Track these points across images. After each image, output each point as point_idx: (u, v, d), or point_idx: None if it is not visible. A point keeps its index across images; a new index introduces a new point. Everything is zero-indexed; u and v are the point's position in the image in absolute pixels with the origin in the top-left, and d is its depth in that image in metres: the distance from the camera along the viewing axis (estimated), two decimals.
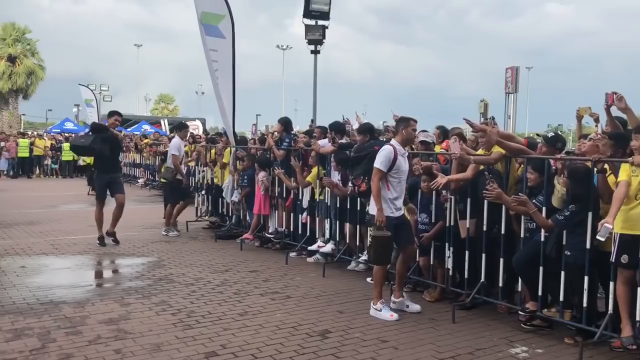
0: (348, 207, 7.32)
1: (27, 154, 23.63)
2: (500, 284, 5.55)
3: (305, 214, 8.18)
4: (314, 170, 7.91)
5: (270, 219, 8.91)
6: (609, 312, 4.64)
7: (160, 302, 5.87)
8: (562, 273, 4.93)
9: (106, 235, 8.93)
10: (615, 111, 5.16)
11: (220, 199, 10.45)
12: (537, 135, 5.42)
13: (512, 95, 42.03)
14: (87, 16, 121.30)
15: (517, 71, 42.56)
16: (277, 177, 8.57)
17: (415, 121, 5.67)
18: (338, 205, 7.46)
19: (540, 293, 5.12)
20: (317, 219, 8.01)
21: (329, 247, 7.64)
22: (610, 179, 4.74)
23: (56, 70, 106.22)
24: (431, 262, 6.24)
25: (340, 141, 7.51)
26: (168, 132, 23.76)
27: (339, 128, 7.67)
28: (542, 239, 5.08)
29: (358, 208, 7.14)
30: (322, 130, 8.15)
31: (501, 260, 5.49)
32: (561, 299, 4.98)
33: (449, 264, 6.05)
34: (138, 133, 25.14)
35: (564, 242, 4.92)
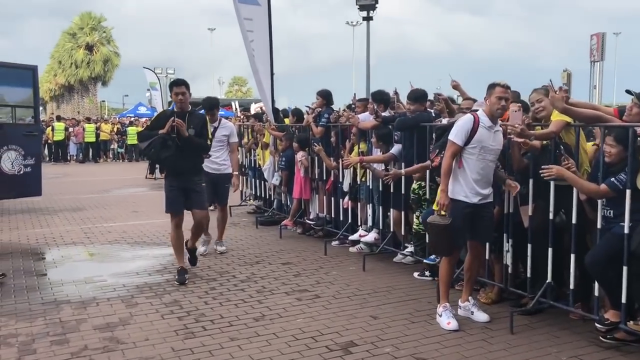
0: (392, 190, 6.34)
1: (93, 139, 24.02)
2: (572, 286, 4.45)
3: (346, 198, 7.27)
4: (355, 148, 6.96)
5: (311, 204, 8.06)
6: None
7: (170, 303, 5.19)
8: None
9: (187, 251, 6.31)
10: None
11: (263, 182, 9.73)
12: (628, 92, 4.18)
13: (597, 64, 38.99)
14: (166, 3, 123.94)
15: (604, 38, 39.38)
16: (317, 158, 7.70)
17: (504, 86, 4.43)
18: (381, 189, 6.50)
19: (623, 300, 3.99)
20: (359, 204, 7.08)
21: (371, 236, 6.71)
22: None
23: (136, 57, 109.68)
24: (487, 257, 5.19)
25: (383, 114, 6.51)
26: (238, 114, 23.44)
27: (381, 98, 6.65)
28: (626, 230, 3.93)
29: (402, 192, 6.15)
30: (363, 102, 7.16)
31: (572, 256, 4.38)
32: None
33: (508, 259, 4.99)
34: None
35: None
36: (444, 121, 5.58)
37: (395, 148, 6.26)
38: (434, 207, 5.28)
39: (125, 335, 4.41)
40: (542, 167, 4.19)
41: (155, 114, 6.43)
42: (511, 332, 4.42)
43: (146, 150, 5.61)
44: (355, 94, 8.33)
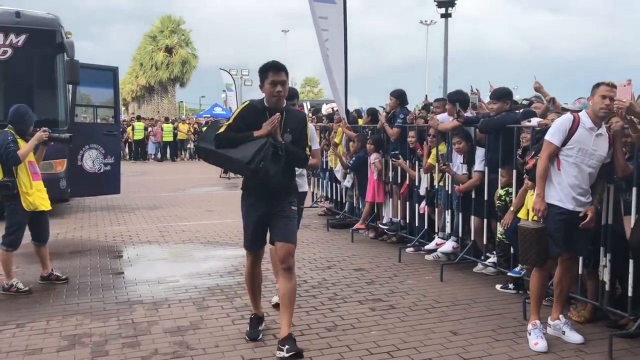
0: (473, 196, 5.97)
1: (171, 139, 24.71)
2: None
3: (423, 203, 6.94)
4: (433, 151, 6.63)
5: (385, 208, 7.78)
6: None
7: (242, 307, 5.08)
8: None
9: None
10: None
11: (334, 184, 9.54)
12: None
13: None
14: (241, 6, 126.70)
15: None
16: (390, 159, 7.42)
17: (609, 84, 4.07)
18: (461, 194, 6.13)
19: None
20: (436, 209, 6.74)
21: (449, 245, 6.35)
22: None
23: (212, 58, 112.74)
24: (580, 271, 4.74)
25: (465, 114, 6.14)
26: (310, 115, 23.45)
27: (460, 98, 6.27)
28: None
29: (485, 197, 5.77)
30: (441, 103, 6.81)
31: None
32: None
33: (605, 275, 4.52)
34: None
35: None
36: (533, 121, 5.17)
37: (479, 152, 5.89)
38: (520, 215, 4.92)
39: (195, 341, 4.31)
40: None
41: (235, 110, 4.50)
42: (610, 356, 3.98)
43: (252, 164, 3.75)
44: (426, 96, 8.00)
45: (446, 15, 15.73)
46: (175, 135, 24.92)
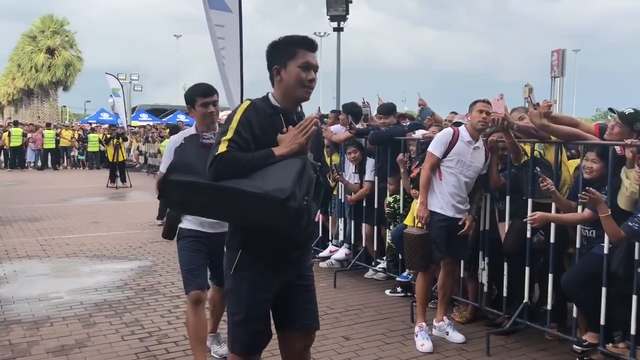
0: (364, 204, 6.19)
1: (53, 145, 23.25)
2: (549, 306, 4.35)
3: (318, 212, 7.07)
4: (327, 160, 6.79)
5: None
6: None
7: (132, 322, 4.90)
8: (634, 297, 3.69)
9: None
10: None
11: None
12: (611, 110, 4.12)
13: (558, 80, 39.94)
14: (130, 8, 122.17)
15: (564, 54, 40.42)
16: None
17: (484, 101, 4.44)
18: (353, 203, 6.33)
19: (602, 322, 3.90)
20: (330, 217, 6.91)
21: (342, 252, 6.53)
22: None
23: (100, 62, 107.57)
24: (461, 275, 5.07)
25: (357, 126, 6.36)
26: None
27: (353, 110, 6.50)
28: (605, 251, 3.85)
29: (375, 206, 6.01)
30: (335, 114, 7.01)
31: (550, 275, 4.29)
32: (632, 331, 3.75)
33: (484, 277, 4.87)
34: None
35: (636, 257, 3.68)
36: (417, 134, 5.47)
37: (369, 162, 6.12)
38: (406, 222, 5.17)
39: (81, 359, 4.11)
40: (527, 217, 4.14)
41: (233, 114, 2.45)
42: (487, 353, 4.29)
43: (294, 202, 2.24)
44: (319, 107, 8.19)
45: (338, 29, 16.22)
46: (57, 142, 23.46)
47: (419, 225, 4.54)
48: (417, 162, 5.07)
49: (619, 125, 4.00)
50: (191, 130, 3.66)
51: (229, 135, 2.38)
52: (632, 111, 4.01)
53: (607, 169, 3.89)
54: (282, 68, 2.53)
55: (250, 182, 2.30)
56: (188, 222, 3.70)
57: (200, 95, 3.59)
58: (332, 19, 16.07)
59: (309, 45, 2.55)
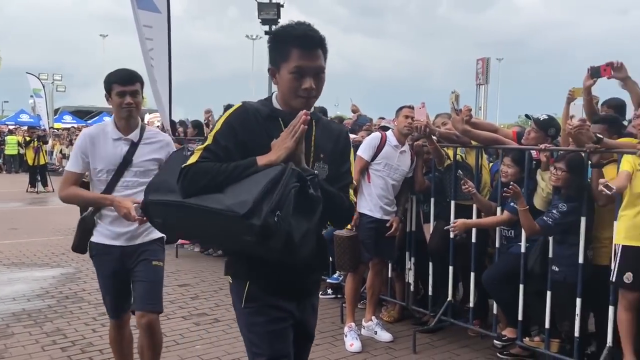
0: None
1: None
2: (471, 304, 4.54)
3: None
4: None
5: None
6: (607, 345, 3.64)
7: (53, 332, 4.71)
8: (548, 293, 3.92)
9: None
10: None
11: None
12: (527, 117, 4.36)
13: (482, 87, 41.55)
14: (57, 7, 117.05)
15: (488, 62, 42.08)
16: None
17: (410, 107, 4.63)
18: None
19: (520, 318, 4.11)
20: None
21: None
22: (608, 171, 3.72)
23: (21, 61, 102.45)
24: (389, 275, 5.19)
25: None
26: None
27: None
28: (522, 250, 4.06)
29: None
30: None
31: (472, 274, 4.48)
32: (547, 325, 3.97)
33: (410, 277, 5.02)
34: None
35: (550, 255, 3.91)
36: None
37: None
38: None
39: None
40: (448, 226, 4.30)
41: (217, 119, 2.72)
42: (414, 351, 4.42)
43: (255, 218, 1.80)
44: None
45: (270, 33, 16.16)
46: None
47: (348, 227, 4.62)
48: None
49: (535, 130, 4.24)
50: (109, 124, 3.16)
51: (206, 143, 2.05)
52: (547, 117, 4.27)
53: (522, 172, 4.11)
54: (276, 71, 2.11)
55: (218, 197, 1.90)
56: (99, 235, 3.17)
57: (118, 83, 3.06)
58: (264, 22, 16.10)
59: (304, 43, 2.04)
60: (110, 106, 3.16)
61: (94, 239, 3.21)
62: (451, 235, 4.47)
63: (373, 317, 4.76)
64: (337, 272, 5.57)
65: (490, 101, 39.06)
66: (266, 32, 16.25)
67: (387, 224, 4.62)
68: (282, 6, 15.70)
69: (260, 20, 15.97)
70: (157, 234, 3.18)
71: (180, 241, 7.79)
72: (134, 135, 3.15)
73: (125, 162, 3.11)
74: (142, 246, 3.19)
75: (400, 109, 4.68)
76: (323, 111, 6.15)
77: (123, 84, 3.07)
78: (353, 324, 4.59)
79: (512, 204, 4.09)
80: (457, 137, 4.47)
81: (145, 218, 2.56)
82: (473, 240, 4.42)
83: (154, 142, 3.20)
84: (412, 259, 4.97)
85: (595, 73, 4.08)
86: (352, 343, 4.46)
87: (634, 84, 3.97)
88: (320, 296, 5.74)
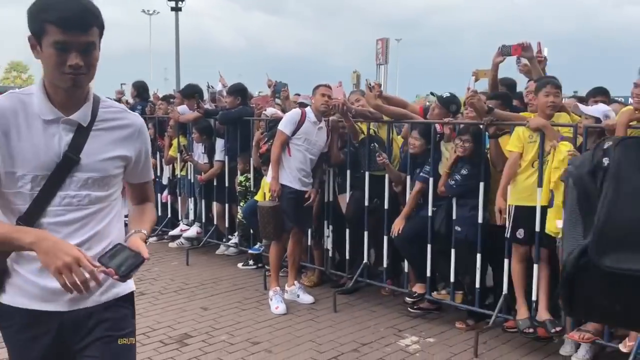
0: (215, 183, 6.39)
1: None
2: (385, 264, 4.98)
3: (165, 192, 7.13)
4: (174, 141, 6.85)
5: (124, 201, 7.69)
6: (503, 293, 4.19)
7: None
8: (453, 251, 4.41)
9: None
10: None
11: None
12: (432, 94, 4.82)
13: (382, 67, 42.81)
14: None
15: (387, 43, 43.25)
16: None
17: (326, 85, 4.94)
18: (204, 182, 6.49)
19: (428, 274, 4.59)
20: (179, 198, 6.99)
21: (193, 230, 6.67)
22: (504, 141, 4.24)
23: None
24: (309, 243, 5.53)
25: (205, 106, 6.50)
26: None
27: (192, 92, 6.63)
28: (429, 213, 4.53)
29: (227, 184, 6.24)
30: (182, 95, 7.06)
31: (385, 237, 4.90)
32: (452, 279, 4.47)
33: (329, 243, 5.38)
34: None
35: (454, 217, 4.40)
36: (268, 112, 5.78)
37: (219, 143, 6.31)
38: (257, 197, 5.49)
39: None
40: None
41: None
42: (334, 310, 4.79)
43: None
44: (174, 90, 8.16)
45: (177, 9, 15.94)
46: None
47: (270, 197, 4.91)
48: (266, 139, 5.41)
49: (438, 107, 4.72)
50: (34, 94, 1.74)
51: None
52: (449, 95, 4.76)
53: (429, 144, 4.56)
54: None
55: None
56: (15, 292, 1.78)
57: (58, 25, 1.62)
58: None
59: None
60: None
61: (3, 299, 1.80)
62: (365, 202, 4.87)
63: (295, 282, 5.08)
64: (258, 243, 5.84)
65: (390, 81, 40.38)
66: (172, 8, 15.98)
67: (305, 195, 4.94)
68: None
69: None
70: (124, 287, 1.90)
71: None
72: (81, 115, 1.77)
73: (67, 163, 1.74)
74: (99, 312, 1.83)
75: (317, 87, 4.98)
76: (241, 88, 6.25)
77: (67, 29, 1.63)
78: (278, 288, 4.89)
79: (420, 173, 4.54)
80: (371, 113, 4.85)
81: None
82: (385, 206, 4.84)
83: (115, 126, 1.85)
84: (330, 227, 5.32)
85: (505, 52, 4.48)
86: (277, 306, 4.76)
87: (537, 65, 4.50)
88: (242, 267, 6.04)
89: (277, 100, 6.27)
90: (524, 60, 4.50)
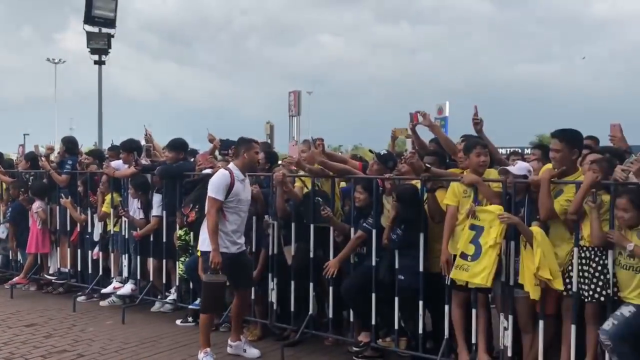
0: (152, 239, 6.32)
1: None
2: (330, 315, 5.13)
3: (96, 249, 6.93)
4: (107, 197, 6.73)
5: (50, 258, 7.42)
6: (445, 337, 4.46)
7: None
8: (396, 299, 4.66)
9: None
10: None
11: None
12: (371, 151, 5.17)
13: (295, 118, 43.79)
14: None
15: (299, 95, 44.53)
16: (57, 207, 7.18)
17: (257, 142, 5.02)
18: (139, 238, 6.39)
19: (373, 322, 4.80)
20: (111, 254, 6.82)
21: (127, 288, 6.49)
22: (440, 195, 4.61)
23: None
24: (252, 297, 5.57)
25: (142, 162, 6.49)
26: None
27: (133, 147, 6.62)
28: (373, 263, 4.77)
29: (164, 239, 6.19)
30: (115, 152, 6.99)
31: (330, 288, 5.07)
32: (396, 326, 4.70)
33: (273, 296, 5.46)
34: None
35: (396, 266, 4.67)
36: (207, 171, 5.86)
37: (156, 198, 6.29)
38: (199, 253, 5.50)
39: None
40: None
41: None
42: None
43: None
44: (95, 143, 8.03)
45: (100, 63, 15.73)
46: None
47: (214, 270, 4.66)
48: (191, 205, 5.23)
49: (377, 163, 5.08)
50: None
51: None
52: (386, 152, 5.17)
53: (372, 197, 4.85)
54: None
55: None
56: None
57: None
58: (93, 52, 15.59)
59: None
60: None
61: None
62: (311, 254, 5.05)
63: (241, 337, 5.09)
64: (198, 298, 5.80)
65: (303, 132, 41.31)
66: (95, 62, 15.77)
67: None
68: (113, 37, 15.36)
69: (89, 50, 15.44)
70: None
71: (14, 281, 7.36)
72: None
73: None
74: None
75: (250, 142, 4.90)
76: (182, 143, 6.31)
77: None
78: (208, 349, 4.81)
79: (363, 224, 4.81)
80: (322, 170, 5.08)
81: None
82: (331, 257, 5.03)
83: None
84: (275, 280, 5.42)
85: (410, 119, 5.13)
86: None
87: (438, 128, 5.06)
88: (181, 324, 5.96)
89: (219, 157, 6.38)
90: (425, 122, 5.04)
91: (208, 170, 5.60)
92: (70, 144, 7.29)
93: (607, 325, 3.68)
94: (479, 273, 4.06)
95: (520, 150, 5.71)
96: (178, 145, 6.19)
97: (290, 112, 44.29)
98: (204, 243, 4.77)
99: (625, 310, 3.69)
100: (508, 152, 7.00)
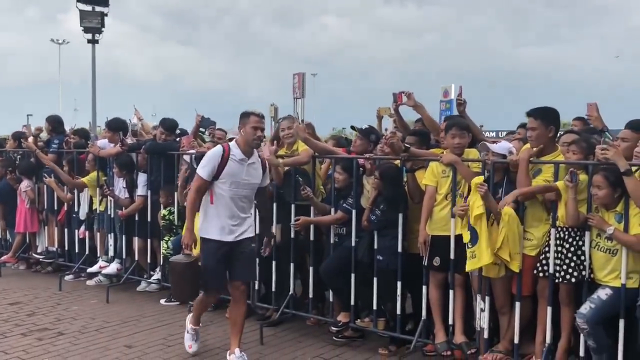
0: (137, 218, 6.30)
1: None
2: (310, 295, 5.10)
3: (82, 228, 6.92)
4: (92, 174, 6.70)
5: (39, 237, 7.42)
6: (422, 318, 4.43)
7: None
8: (375, 279, 4.62)
9: None
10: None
11: None
12: (353, 128, 5.11)
13: (299, 100, 43.71)
14: None
15: (304, 77, 44.41)
16: (45, 187, 7.16)
17: (259, 115, 4.18)
18: (125, 217, 6.37)
19: (352, 302, 4.77)
20: (97, 234, 6.81)
21: (113, 267, 6.49)
22: (419, 175, 4.54)
23: None
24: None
25: (128, 141, 6.45)
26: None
27: (119, 126, 6.58)
28: (353, 244, 4.73)
29: (149, 219, 6.17)
30: (109, 127, 6.91)
31: (310, 269, 5.04)
32: (374, 307, 4.67)
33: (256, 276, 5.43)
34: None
35: (375, 247, 4.62)
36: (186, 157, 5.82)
37: (141, 177, 6.26)
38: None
39: None
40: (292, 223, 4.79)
41: None
42: (261, 343, 4.84)
43: None
44: (90, 123, 8.01)
45: (93, 42, 15.61)
46: None
47: (187, 252, 4.30)
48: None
49: (359, 138, 5.03)
50: None
51: None
52: (367, 127, 5.15)
53: (352, 178, 4.79)
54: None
55: None
56: None
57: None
58: (86, 30, 15.45)
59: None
60: None
61: None
62: (292, 234, 5.01)
63: (236, 350, 4.34)
64: None
65: (307, 114, 41.19)
66: (89, 41, 15.65)
67: (263, 252, 4.70)
68: (106, 15, 15.22)
69: (82, 28, 15.29)
70: None
71: (2, 259, 7.37)
72: None
73: None
74: None
75: (248, 116, 4.16)
76: (174, 125, 6.33)
77: None
78: (195, 327, 4.61)
79: (343, 204, 4.75)
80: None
81: None
82: (311, 238, 4.99)
83: None
84: (257, 260, 5.38)
85: (394, 99, 4.99)
86: (190, 345, 4.57)
87: (423, 109, 4.93)
88: (165, 303, 5.96)
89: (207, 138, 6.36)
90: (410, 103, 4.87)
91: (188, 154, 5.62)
92: (55, 123, 7.24)
93: (585, 309, 3.63)
94: (484, 252, 3.87)
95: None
96: (170, 127, 6.24)
97: (295, 94, 44.17)
98: (201, 229, 4.25)
99: (602, 294, 3.64)
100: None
